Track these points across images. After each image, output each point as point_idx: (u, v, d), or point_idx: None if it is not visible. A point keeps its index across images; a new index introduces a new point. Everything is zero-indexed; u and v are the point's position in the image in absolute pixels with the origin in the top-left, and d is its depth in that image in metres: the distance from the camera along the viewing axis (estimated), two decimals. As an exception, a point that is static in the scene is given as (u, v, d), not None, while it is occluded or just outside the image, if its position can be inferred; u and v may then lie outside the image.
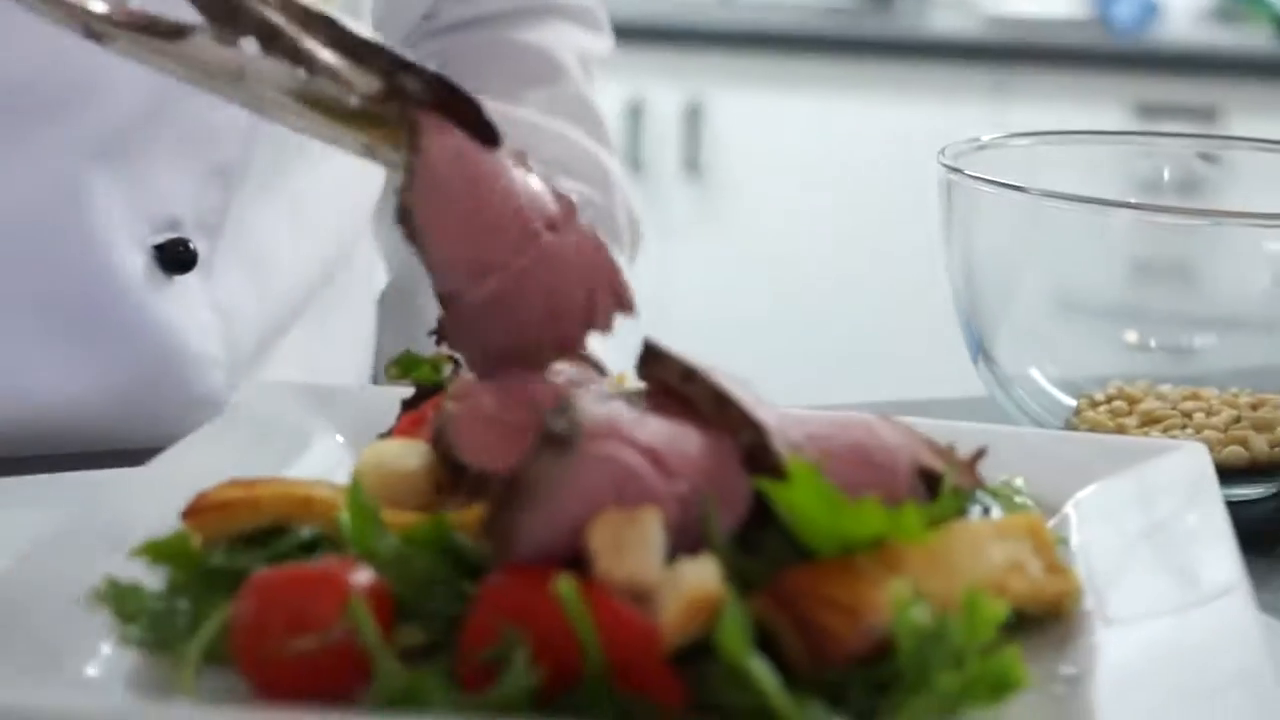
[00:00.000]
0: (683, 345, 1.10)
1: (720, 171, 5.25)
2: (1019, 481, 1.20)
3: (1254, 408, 1.44)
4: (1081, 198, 1.39)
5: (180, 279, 1.62)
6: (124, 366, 1.58)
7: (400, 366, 1.22)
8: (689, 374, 1.08)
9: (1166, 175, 1.61)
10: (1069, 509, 1.21)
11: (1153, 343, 1.55)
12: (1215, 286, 1.57)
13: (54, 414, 1.55)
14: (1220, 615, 1.02)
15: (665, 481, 1.00)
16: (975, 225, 1.45)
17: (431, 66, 1.23)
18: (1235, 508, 1.38)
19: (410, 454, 1.09)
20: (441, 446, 1.08)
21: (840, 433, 1.09)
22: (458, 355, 1.21)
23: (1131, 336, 1.54)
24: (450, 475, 1.08)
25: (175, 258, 1.61)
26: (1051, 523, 1.18)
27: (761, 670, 0.92)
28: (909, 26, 5.39)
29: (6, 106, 1.31)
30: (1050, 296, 1.51)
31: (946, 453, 1.12)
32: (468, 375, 1.13)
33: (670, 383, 1.08)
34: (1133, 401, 1.46)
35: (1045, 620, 1.06)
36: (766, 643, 0.97)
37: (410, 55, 1.11)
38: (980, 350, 1.48)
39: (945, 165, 1.44)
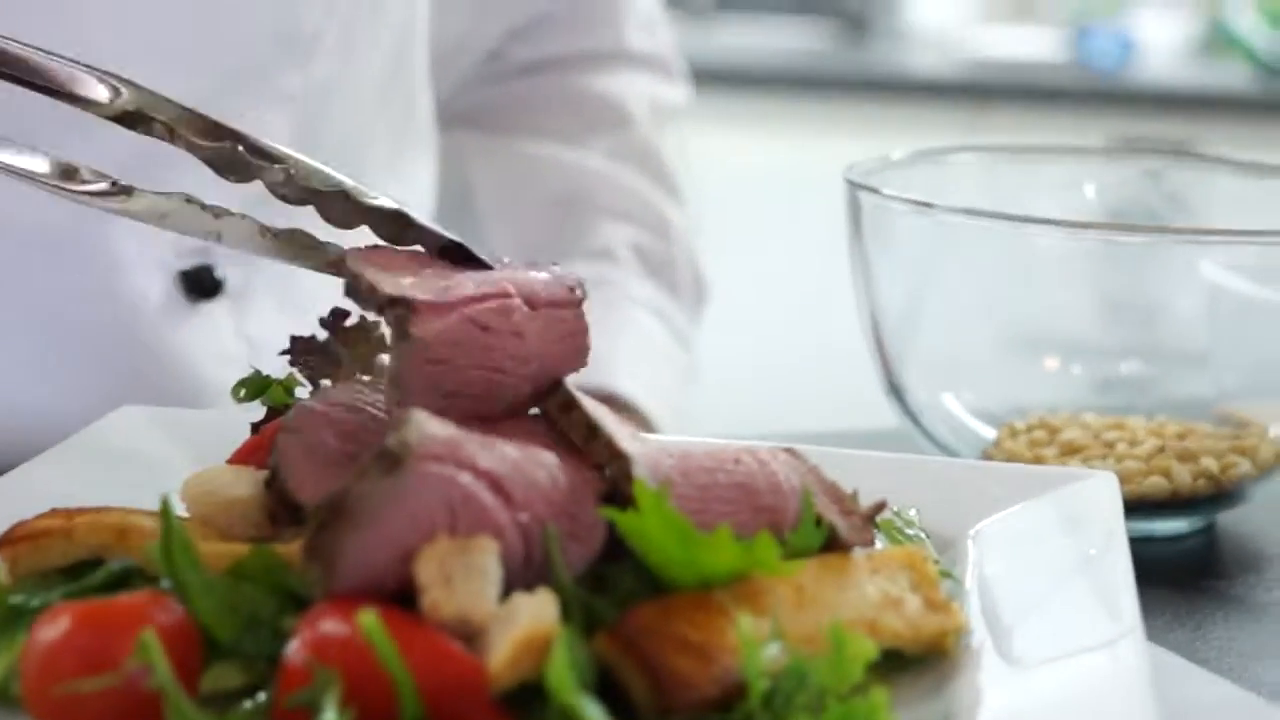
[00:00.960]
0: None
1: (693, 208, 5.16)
2: (912, 513, 1.12)
3: (1180, 437, 1.36)
4: (995, 214, 1.31)
5: (205, 307, 1.57)
6: (139, 393, 1.52)
7: (249, 388, 1.14)
8: (568, 404, 1.00)
9: (1091, 194, 1.53)
10: (967, 541, 1.13)
11: (1077, 370, 1.47)
12: (1146, 311, 1.49)
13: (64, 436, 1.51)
14: (1111, 663, 0.94)
15: (506, 509, 0.92)
16: (883, 245, 1.37)
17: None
18: (1159, 544, 1.32)
19: (240, 482, 1.01)
20: (276, 481, 1.00)
21: (728, 470, 1.01)
22: (312, 376, 1.13)
23: (1053, 364, 1.46)
24: (286, 511, 1.00)
25: (199, 284, 1.56)
26: (945, 556, 1.10)
27: (594, 714, 0.84)
28: (885, 65, 5.33)
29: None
30: (962, 321, 1.43)
31: (845, 501, 1.04)
32: (309, 402, 1.05)
33: (550, 413, 1.01)
34: (1054, 431, 1.38)
35: (926, 660, 0.98)
36: (611, 686, 0.89)
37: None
38: (889, 378, 1.40)
39: (851, 182, 1.37)
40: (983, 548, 1.11)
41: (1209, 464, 1.33)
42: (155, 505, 1.07)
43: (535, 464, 0.95)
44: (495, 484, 0.92)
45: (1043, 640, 0.98)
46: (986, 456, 1.38)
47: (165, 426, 1.24)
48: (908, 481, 1.17)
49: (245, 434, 1.15)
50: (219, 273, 1.56)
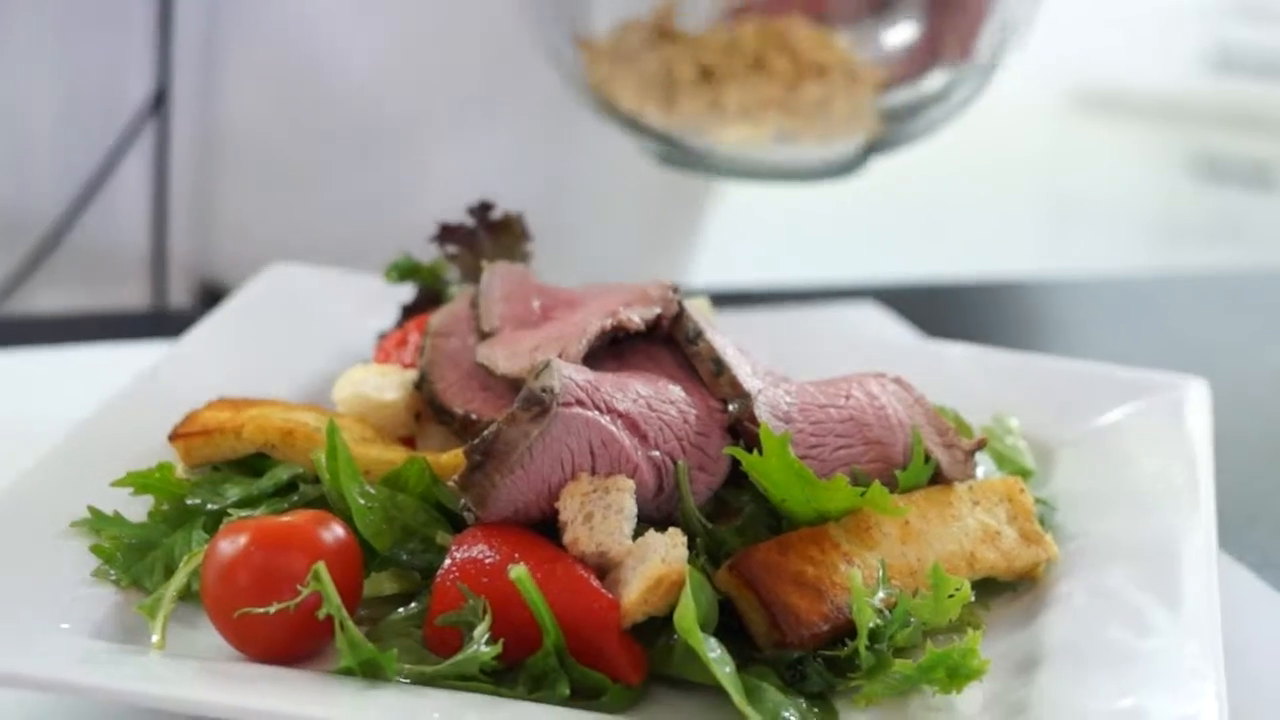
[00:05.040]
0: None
1: None
2: (1013, 421, 1.20)
3: None
4: None
5: None
6: None
7: (399, 271, 1.22)
8: (696, 336, 1.08)
9: None
10: (1062, 450, 1.20)
11: None
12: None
13: None
14: (1185, 601, 1.02)
15: (641, 447, 1.00)
16: None
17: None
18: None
19: (389, 384, 1.10)
20: (425, 388, 1.09)
21: (840, 405, 1.08)
22: (457, 258, 1.21)
23: None
24: (433, 413, 1.09)
25: None
26: (1041, 465, 1.18)
27: (714, 653, 0.93)
28: None
29: None
30: None
31: (949, 433, 1.11)
32: (452, 305, 1.13)
33: (679, 340, 1.09)
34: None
35: (1018, 585, 1.07)
36: (732, 615, 0.98)
37: None
38: None
39: None
40: (1078, 458, 1.19)
41: None
42: (309, 379, 1.17)
43: (666, 401, 1.03)
44: (631, 425, 1.00)
45: (1123, 573, 1.06)
46: None
47: (316, 288, 1.32)
48: (1011, 380, 1.25)
49: (387, 299, 1.24)
50: None
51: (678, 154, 1.47)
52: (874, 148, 1.48)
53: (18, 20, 1.62)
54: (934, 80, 1.48)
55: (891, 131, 1.47)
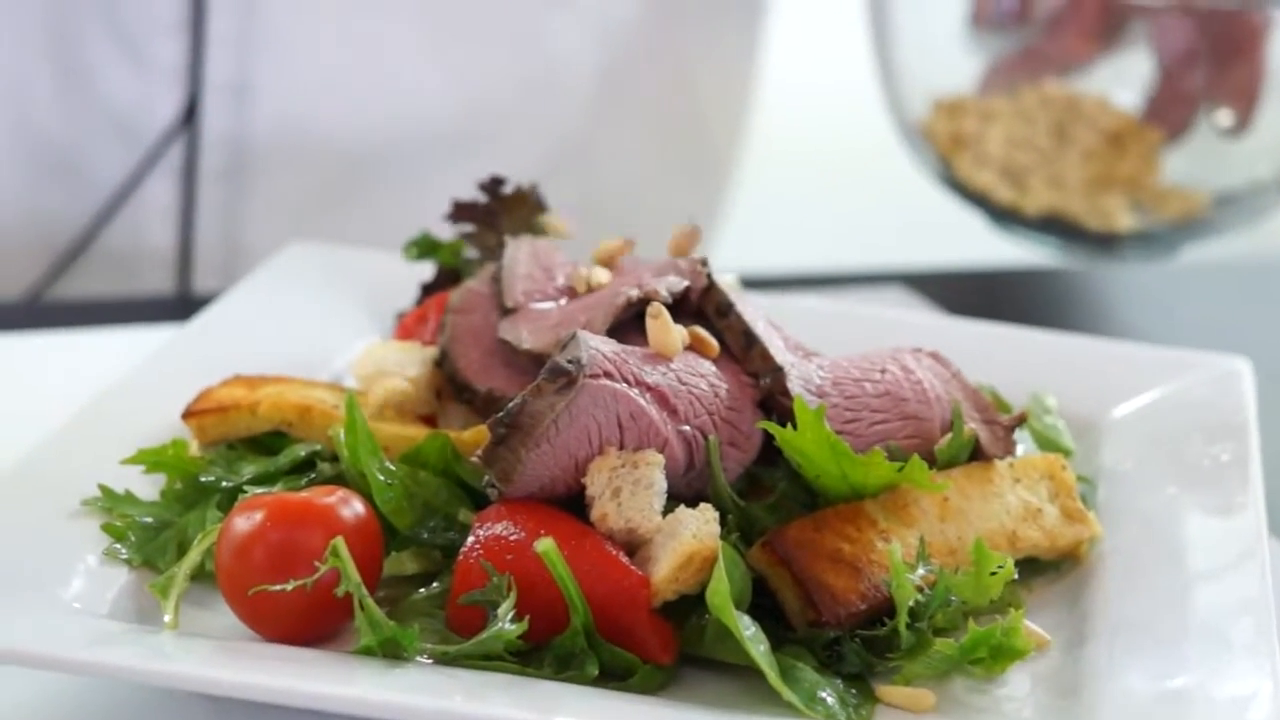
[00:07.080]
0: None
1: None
2: (1050, 400, 1.16)
3: None
4: None
5: None
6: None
7: (418, 249, 1.18)
8: (726, 309, 1.04)
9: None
10: (1102, 431, 1.17)
11: None
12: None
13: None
14: (1236, 579, 0.98)
15: (671, 421, 0.97)
16: None
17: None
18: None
19: (410, 361, 1.06)
20: (446, 366, 1.05)
21: (875, 380, 1.04)
22: (473, 235, 1.18)
23: None
24: (455, 391, 1.05)
25: None
26: (1080, 442, 1.14)
27: (749, 631, 0.89)
28: None
29: None
30: None
31: (988, 409, 1.07)
32: (473, 283, 1.10)
33: (708, 314, 1.05)
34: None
35: (1060, 564, 1.03)
36: (765, 594, 0.95)
37: None
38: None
39: None
40: (1118, 437, 1.15)
41: None
42: (326, 358, 1.14)
43: (696, 374, 0.99)
44: (661, 398, 0.97)
45: (1169, 550, 1.02)
46: None
47: (334, 267, 1.28)
48: (1048, 360, 1.21)
49: (406, 279, 1.20)
50: None
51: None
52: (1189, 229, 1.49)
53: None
54: (1264, 166, 1.49)
55: (1216, 215, 1.49)
